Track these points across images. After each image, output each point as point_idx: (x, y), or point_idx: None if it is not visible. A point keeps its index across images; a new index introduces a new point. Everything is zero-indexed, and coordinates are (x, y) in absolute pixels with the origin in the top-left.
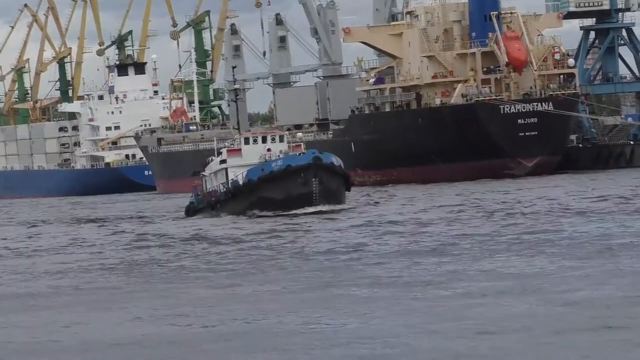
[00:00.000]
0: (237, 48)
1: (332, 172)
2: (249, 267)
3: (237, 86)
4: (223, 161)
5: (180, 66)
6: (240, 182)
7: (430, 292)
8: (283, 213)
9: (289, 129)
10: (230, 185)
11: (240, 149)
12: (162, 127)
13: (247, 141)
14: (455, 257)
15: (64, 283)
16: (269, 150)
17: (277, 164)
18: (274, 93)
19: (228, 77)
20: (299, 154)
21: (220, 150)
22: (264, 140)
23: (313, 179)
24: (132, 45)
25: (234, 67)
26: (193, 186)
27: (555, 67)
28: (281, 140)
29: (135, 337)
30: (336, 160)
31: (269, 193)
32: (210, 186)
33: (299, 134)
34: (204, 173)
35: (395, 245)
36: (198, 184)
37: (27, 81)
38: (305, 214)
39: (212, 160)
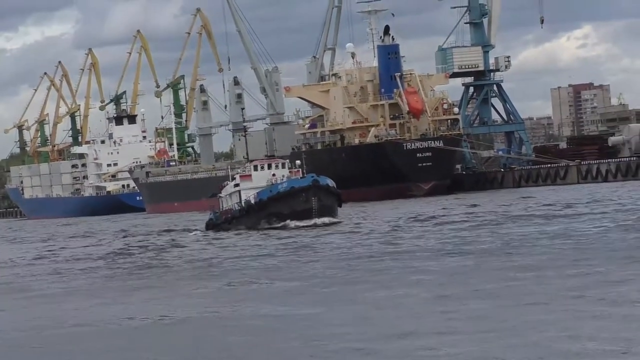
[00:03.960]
0: (205, 103)
1: (327, 192)
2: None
3: (246, 124)
4: (236, 185)
5: (162, 117)
6: (252, 201)
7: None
8: (289, 225)
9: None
10: (243, 204)
11: (250, 175)
12: (150, 163)
13: (255, 168)
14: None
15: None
16: (273, 175)
17: (282, 185)
18: (233, 136)
19: (200, 124)
20: (301, 178)
21: (234, 176)
22: (269, 167)
23: (313, 198)
24: (126, 102)
25: (242, 108)
26: (210, 206)
27: (444, 114)
28: (283, 167)
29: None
30: (330, 182)
31: (277, 209)
32: (226, 205)
33: (298, 162)
34: (220, 195)
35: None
36: (215, 204)
37: (47, 130)
38: (306, 226)
39: (227, 184)
